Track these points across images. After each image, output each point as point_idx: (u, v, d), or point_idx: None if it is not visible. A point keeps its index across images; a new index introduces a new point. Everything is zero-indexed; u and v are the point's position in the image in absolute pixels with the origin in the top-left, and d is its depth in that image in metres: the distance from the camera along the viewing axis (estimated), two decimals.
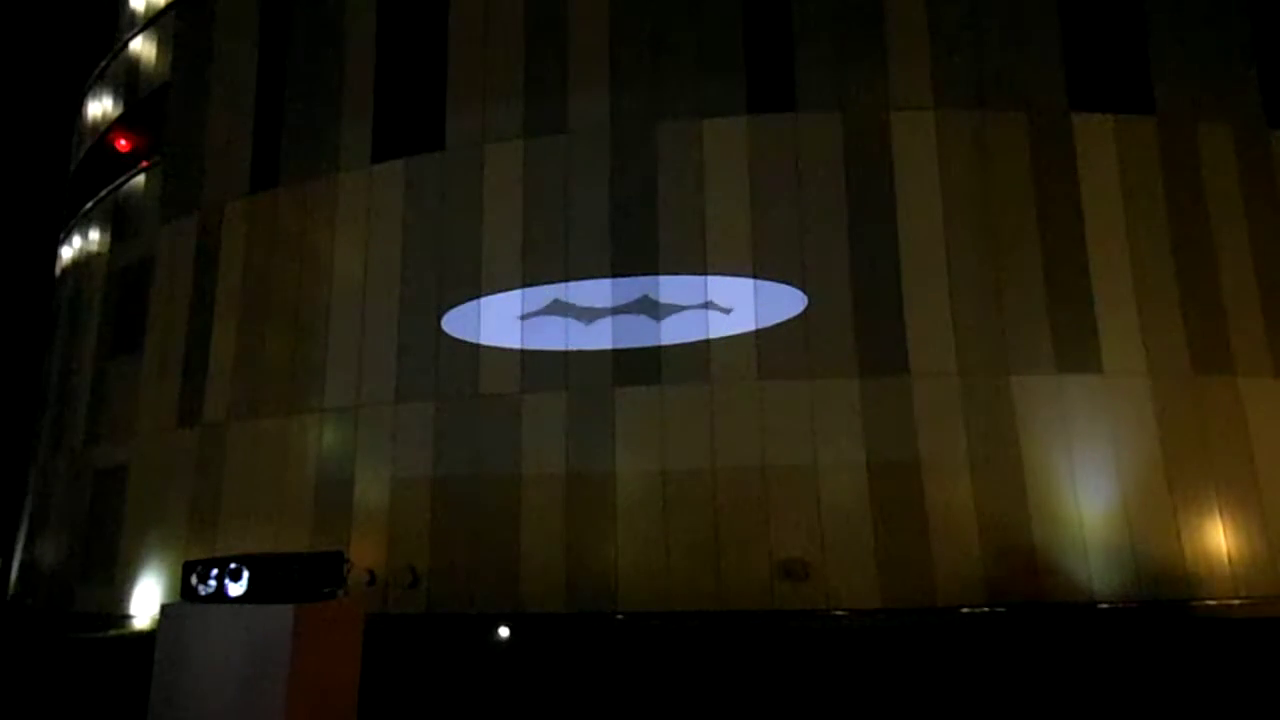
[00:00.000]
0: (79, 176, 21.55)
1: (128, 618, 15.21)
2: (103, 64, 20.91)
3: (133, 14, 19.97)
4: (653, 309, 12.77)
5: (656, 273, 12.85)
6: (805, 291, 12.54)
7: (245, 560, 5.67)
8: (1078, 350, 12.33)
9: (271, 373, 14.86)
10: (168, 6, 18.66)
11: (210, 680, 5.51)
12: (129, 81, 19.52)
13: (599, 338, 12.85)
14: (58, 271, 22.00)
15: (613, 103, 13.54)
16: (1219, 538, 11.87)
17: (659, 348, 12.65)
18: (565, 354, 12.94)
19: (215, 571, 5.67)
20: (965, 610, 11.46)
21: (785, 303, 12.53)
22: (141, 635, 13.47)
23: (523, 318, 13.16)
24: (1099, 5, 13.52)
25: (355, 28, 15.36)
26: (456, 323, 13.55)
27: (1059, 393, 12.21)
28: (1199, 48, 13.55)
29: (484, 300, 13.46)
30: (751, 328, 12.51)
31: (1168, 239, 12.82)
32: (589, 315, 12.90)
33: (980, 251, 12.62)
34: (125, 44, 19.82)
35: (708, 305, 12.61)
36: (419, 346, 13.67)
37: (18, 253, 28.75)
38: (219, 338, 15.61)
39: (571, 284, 13.09)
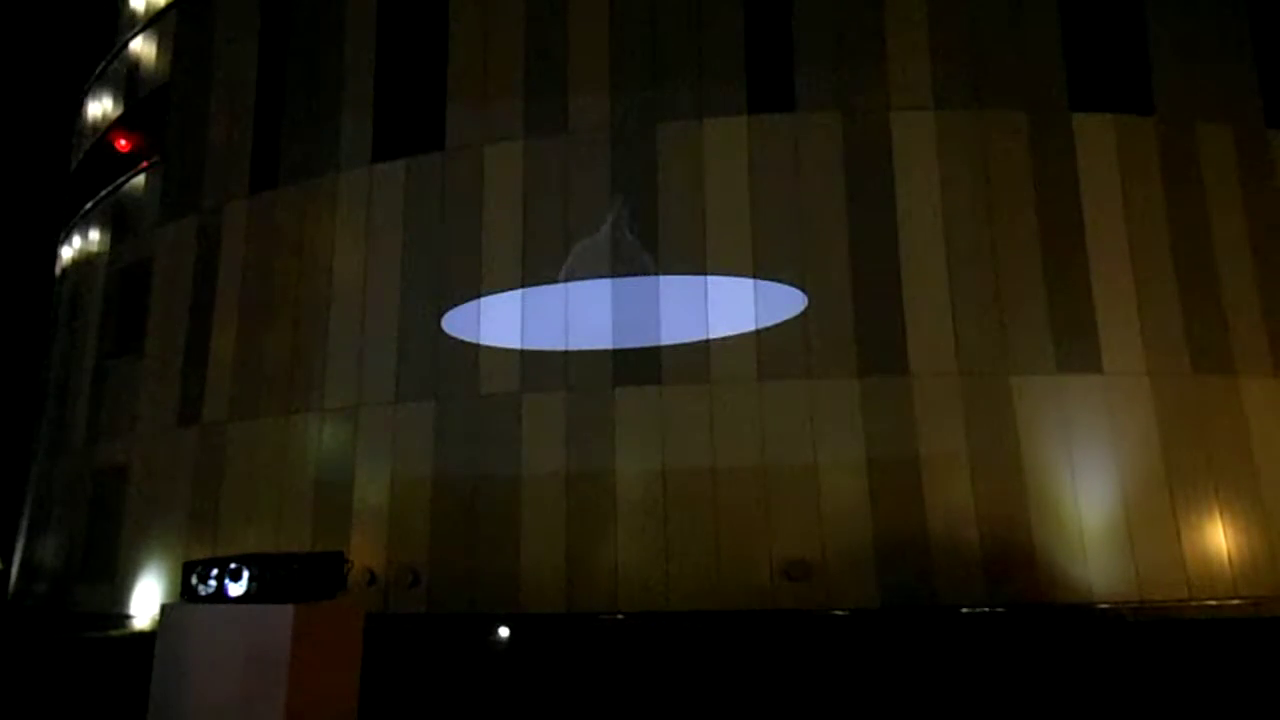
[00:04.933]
0: (79, 176, 21.54)
1: (128, 618, 15.20)
2: (103, 64, 20.90)
3: (133, 14, 19.96)
4: (653, 309, 12.76)
5: (657, 273, 12.85)
6: (805, 291, 12.53)
7: (245, 560, 5.67)
8: (1078, 350, 12.33)
9: (271, 373, 14.86)
10: (168, 6, 18.65)
11: (210, 680, 5.51)
12: (129, 81, 19.51)
13: (599, 338, 12.85)
14: (58, 271, 21.99)
15: (613, 103, 13.53)
16: (1219, 538, 11.86)
17: (659, 348, 12.64)
18: (565, 354, 12.94)
19: (215, 571, 5.68)
20: (965, 610, 11.46)
21: (785, 303, 12.53)
22: (141, 635, 13.46)
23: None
24: (1099, 5, 13.51)
25: (355, 28, 15.35)
26: (456, 323, 13.55)
27: (1059, 393, 12.20)
28: (1199, 48, 13.54)
29: (484, 300, 13.45)
30: (751, 328, 12.51)
31: (1168, 239, 12.81)
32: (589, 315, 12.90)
33: (980, 251, 12.61)
34: (125, 44, 19.81)
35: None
36: (419, 346, 13.67)
37: (18, 253, 28.76)
38: (219, 338, 15.61)
39: (571, 284, 13.08)
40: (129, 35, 19.71)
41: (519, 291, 13.29)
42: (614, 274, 12.95)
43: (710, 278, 12.70)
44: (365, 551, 12.94)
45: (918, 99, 12.99)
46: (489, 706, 7.63)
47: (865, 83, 13.10)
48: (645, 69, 13.53)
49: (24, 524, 20.43)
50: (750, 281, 12.62)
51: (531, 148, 13.73)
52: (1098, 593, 11.53)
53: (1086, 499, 11.84)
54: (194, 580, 5.72)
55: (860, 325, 12.39)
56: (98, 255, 19.31)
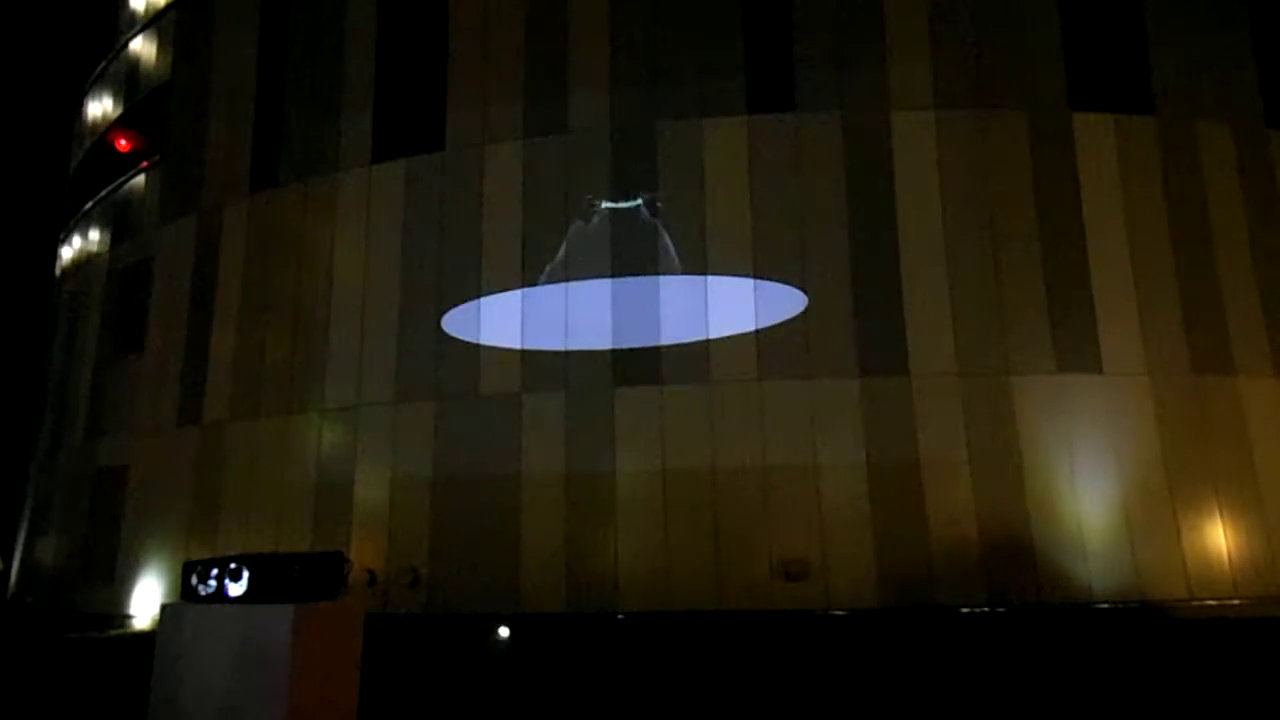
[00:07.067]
0: (79, 176, 21.55)
1: (128, 618, 15.20)
2: (103, 64, 20.90)
3: (133, 14, 19.96)
4: (653, 309, 12.76)
5: (656, 273, 12.85)
6: (805, 291, 12.53)
7: (245, 560, 5.67)
8: (1078, 350, 12.33)
9: (271, 373, 14.86)
10: (168, 6, 18.65)
11: (210, 680, 5.50)
12: (129, 81, 19.51)
13: (599, 338, 12.84)
14: (58, 271, 21.99)
15: (613, 103, 13.53)
16: (1219, 538, 11.86)
17: (659, 348, 12.64)
18: (565, 354, 12.93)
19: (215, 571, 5.67)
20: (965, 610, 11.46)
21: (785, 303, 12.53)
22: (141, 635, 13.46)
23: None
24: (1099, 5, 13.52)
25: (355, 28, 15.35)
26: (456, 323, 13.54)
27: (1059, 393, 12.20)
28: (1199, 48, 13.54)
29: (484, 300, 13.45)
30: (751, 328, 12.51)
31: (1168, 239, 12.81)
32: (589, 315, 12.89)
33: (980, 252, 12.61)
34: (125, 44, 19.81)
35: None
36: (419, 346, 13.67)
37: (18, 253, 28.77)
38: (219, 338, 15.61)
39: (572, 284, 13.08)
40: (129, 35, 19.71)
41: (519, 291, 13.29)
42: (614, 274, 12.95)
43: (710, 278, 12.70)
44: (365, 551, 12.94)
45: (918, 99, 12.99)
46: (489, 707, 7.63)
47: (865, 82, 13.10)
48: (645, 69, 13.53)
49: (24, 524, 20.43)
50: (750, 281, 12.62)
51: (531, 148, 13.73)
52: (1098, 593, 11.53)
53: (1086, 499, 11.84)
54: (194, 580, 5.72)
55: (860, 325, 12.39)
56: (98, 255, 19.31)
